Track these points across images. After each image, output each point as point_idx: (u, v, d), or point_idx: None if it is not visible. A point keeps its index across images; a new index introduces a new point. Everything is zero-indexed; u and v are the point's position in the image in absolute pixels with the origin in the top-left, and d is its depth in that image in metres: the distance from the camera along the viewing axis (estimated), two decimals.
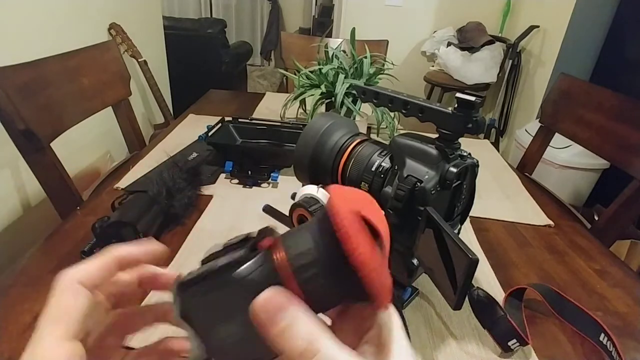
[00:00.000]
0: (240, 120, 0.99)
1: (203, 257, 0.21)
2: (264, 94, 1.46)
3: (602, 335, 0.50)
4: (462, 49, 2.48)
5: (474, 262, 0.35)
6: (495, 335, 0.50)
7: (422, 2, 2.67)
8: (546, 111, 1.17)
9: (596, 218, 1.19)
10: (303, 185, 0.56)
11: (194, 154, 0.87)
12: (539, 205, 0.84)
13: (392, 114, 0.98)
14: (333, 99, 0.93)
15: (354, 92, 0.93)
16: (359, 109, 0.93)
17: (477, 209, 0.65)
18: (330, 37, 1.95)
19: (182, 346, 0.26)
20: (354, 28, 1.03)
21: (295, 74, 1.05)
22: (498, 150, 1.18)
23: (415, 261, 0.47)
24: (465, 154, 0.48)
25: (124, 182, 0.80)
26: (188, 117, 1.19)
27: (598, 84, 1.06)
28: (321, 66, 0.97)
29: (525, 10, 2.48)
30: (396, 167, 0.49)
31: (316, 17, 4.12)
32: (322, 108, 1.00)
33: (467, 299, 0.54)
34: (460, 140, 0.47)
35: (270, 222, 0.69)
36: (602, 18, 1.99)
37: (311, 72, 1.00)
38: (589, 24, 1.99)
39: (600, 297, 0.60)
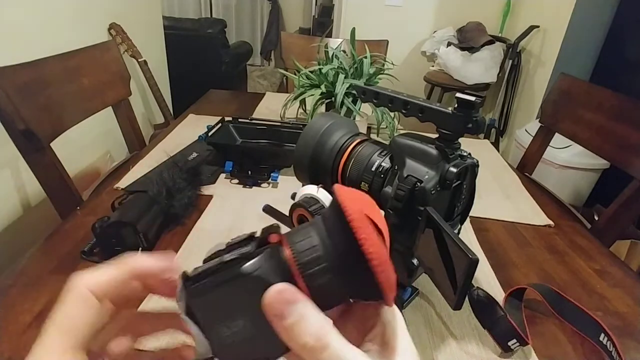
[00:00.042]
0: (240, 120, 1.00)
1: (205, 256, 0.21)
2: (264, 94, 1.46)
3: (602, 335, 0.50)
4: (462, 49, 2.48)
5: (474, 262, 0.35)
6: (495, 335, 0.50)
7: (422, 2, 2.67)
8: (546, 111, 1.17)
9: (596, 218, 1.19)
10: (303, 185, 0.56)
11: (194, 154, 0.87)
12: (539, 205, 0.84)
13: (392, 114, 0.98)
14: (333, 99, 0.93)
15: (354, 92, 0.93)
16: (359, 109, 0.93)
17: (477, 209, 0.65)
18: (330, 37, 1.95)
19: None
20: (354, 28, 1.03)
21: (295, 74, 1.05)
22: (498, 150, 1.18)
23: (415, 261, 0.47)
24: (465, 154, 0.48)
25: (124, 182, 0.80)
26: (188, 117, 1.19)
27: (598, 84, 1.06)
28: (321, 66, 0.97)
29: (525, 10, 2.48)
30: (396, 167, 0.49)
31: (316, 17, 4.12)
32: (322, 108, 1.00)
33: (467, 299, 0.54)
34: (460, 140, 0.47)
35: (270, 222, 0.69)
36: (602, 18, 1.99)
37: (311, 72, 1.00)
38: (589, 24, 1.99)
39: (600, 297, 0.60)
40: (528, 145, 1.21)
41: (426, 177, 0.46)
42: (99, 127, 1.45)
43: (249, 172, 0.84)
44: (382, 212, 0.50)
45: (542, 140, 1.17)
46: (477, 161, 0.49)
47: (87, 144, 1.46)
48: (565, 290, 0.58)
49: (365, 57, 0.99)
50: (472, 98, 0.43)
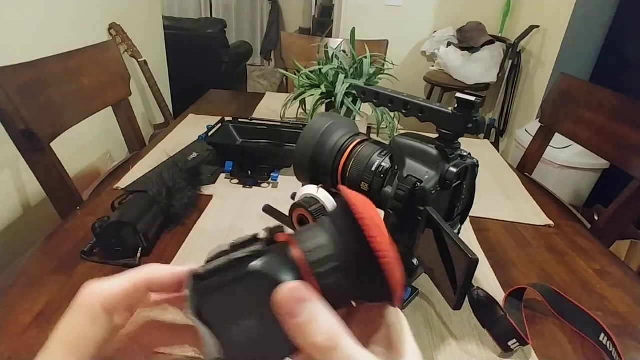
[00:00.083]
0: (240, 120, 0.99)
1: (208, 257, 0.21)
2: (264, 94, 1.46)
3: (602, 335, 0.50)
4: (462, 49, 2.48)
5: (474, 262, 0.35)
6: (495, 335, 0.50)
7: (422, 2, 2.67)
8: (546, 111, 1.17)
9: (596, 218, 1.19)
10: (303, 185, 0.56)
11: (194, 154, 0.87)
12: (539, 205, 0.84)
13: (392, 114, 0.98)
14: (333, 99, 0.93)
15: (354, 92, 0.93)
16: (359, 109, 0.93)
17: (477, 209, 0.65)
18: (330, 37, 1.95)
19: None
20: (354, 28, 1.03)
21: (295, 74, 1.05)
22: (498, 150, 1.18)
23: (415, 261, 0.47)
24: (465, 154, 0.48)
25: (124, 182, 0.80)
26: (188, 117, 1.19)
27: (598, 84, 1.06)
28: (321, 66, 0.97)
29: (525, 10, 2.48)
30: (396, 167, 0.49)
31: (316, 17, 4.12)
32: (322, 108, 1.00)
33: (467, 299, 0.54)
34: (460, 140, 0.47)
35: (271, 222, 0.69)
36: (602, 18, 1.99)
37: (311, 72, 1.00)
38: (589, 24, 1.99)
39: (600, 297, 0.60)
40: (528, 145, 1.21)
41: (426, 177, 0.46)
42: (99, 127, 1.45)
43: (249, 172, 0.84)
44: (382, 212, 0.50)
45: (542, 140, 1.17)
46: (477, 161, 0.49)
47: (87, 144, 1.46)
48: (565, 290, 0.58)
49: (365, 57, 0.99)
50: (472, 98, 0.43)
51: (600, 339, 0.50)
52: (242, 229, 0.69)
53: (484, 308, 0.53)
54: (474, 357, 0.48)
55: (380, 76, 1.02)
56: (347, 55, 1.02)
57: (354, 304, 0.22)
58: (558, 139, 1.16)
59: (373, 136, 1.03)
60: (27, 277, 0.56)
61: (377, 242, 0.19)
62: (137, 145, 1.16)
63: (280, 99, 1.16)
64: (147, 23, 1.99)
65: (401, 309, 0.22)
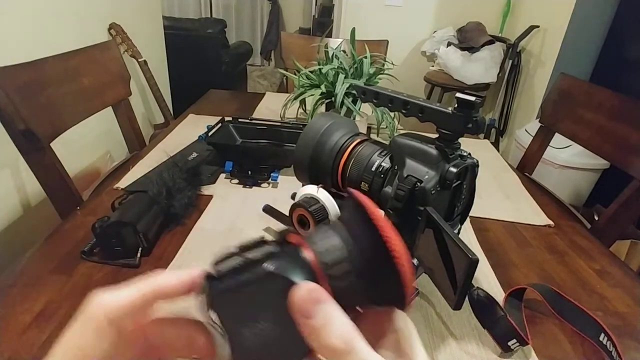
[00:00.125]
0: (240, 120, 0.99)
1: (215, 259, 0.21)
2: (264, 94, 1.46)
3: (602, 335, 0.50)
4: (462, 49, 2.48)
5: (474, 262, 0.35)
6: (495, 335, 0.50)
7: (422, 2, 2.67)
8: (546, 111, 1.17)
9: (596, 218, 1.19)
10: (303, 185, 0.56)
11: (194, 154, 0.87)
12: (539, 205, 0.84)
13: (392, 114, 0.98)
14: (333, 99, 0.93)
15: (354, 92, 0.93)
16: (359, 109, 0.93)
17: (477, 209, 0.65)
18: (330, 37, 1.95)
19: None
20: (354, 28, 1.03)
21: (295, 74, 1.05)
22: (498, 150, 1.18)
23: (415, 261, 0.47)
24: (465, 154, 0.48)
25: (124, 182, 0.80)
26: (188, 117, 1.19)
27: (598, 84, 1.06)
28: (321, 66, 0.97)
29: (525, 10, 2.48)
30: (396, 167, 0.49)
31: (316, 17, 4.12)
32: (322, 108, 1.00)
33: (467, 299, 0.54)
34: (460, 140, 0.47)
35: (271, 222, 0.69)
36: (602, 18, 1.99)
37: (311, 72, 1.00)
38: (589, 24, 1.99)
39: (600, 297, 0.60)
40: (528, 145, 1.21)
41: (426, 177, 0.46)
42: (99, 127, 1.45)
43: (249, 172, 0.84)
44: (382, 213, 0.50)
45: (542, 140, 1.17)
46: (477, 161, 0.49)
47: (87, 144, 1.46)
48: (565, 290, 0.58)
49: (365, 57, 0.99)
50: (472, 98, 0.43)
51: (600, 339, 0.50)
52: (242, 229, 0.69)
53: (484, 308, 0.53)
54: (474, 357, 0.48)
55: (380, 76, 1.02)
56: (347, 55, 1.02)
57: (359, 309, 0.22)
58: (558, 139, 1.16)
59: (373, 136, 1.03)
60: (27, 277, 0.56)
61: (392, 244, 0.19)
62: (137, 145, 1.16)
63: (280, 99, 1.15)
64: (147, 23, 1.99)
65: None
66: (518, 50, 2.34)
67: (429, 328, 0.52)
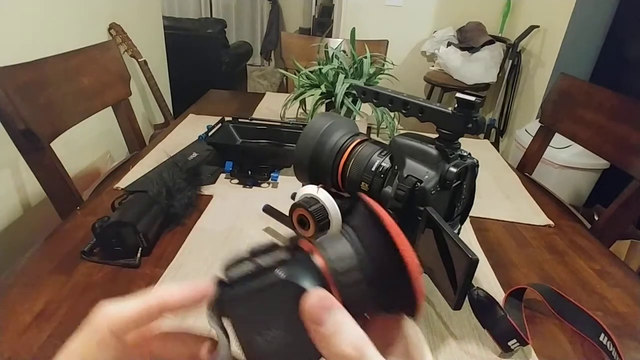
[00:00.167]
0: (240, 120, 0.99)
1: (226, 264, 0.21)
2: (264, 94, 1.46)
3: (602, 335, 0.50)
4: (462, 49, 2.48)
5: (474, 262, 0.35)
6: (495, 335, 0.50)
7: (422, 2, 2.67)
8: (546, 111, 1.17)
9: (596, 218, 1.19)
10: (303, 185, 0.56)
11: (194, 154, 0.87)
12: (539, 205, 0.84)
13: (392, 114, 0.98)
14: (333, 99, 0.93)
15: (354, 92, 0.93)
16: (359, 109, 0.93)
17: (477, 209, 0.65)
18: (330, 37, 1.95)
19: None
20: (354, 28, 1.03)
21: (295, 74, 1.05)
22: (498, 150, 1.18)
23: None
24: (465, 154, 0.48)
25: (124, 182, 0.80)
26: (188, 117, 1.19)
27: (598, 84, 1.06)
28: (321, 66, 0.97)
29: (525, 10, 2.48)
30: (396, 167, 0.49)
31: (316, 17, 4.12)
32: (322, 108, 1.00)
33: (467, 299, 0.54)
34: (460, 140, 0.47)
35: (271, 222, 0.69)
36: (602, 18, 1.99)
37: (311, 72, 1.00)
38: (589, 24, 1.99)
39: (600, 297, 0.60)
40: (528, 145, 1.21)
41: (426, 177, 0.46)
42: (99, 127, 1.45)
43: (249, 172, 0.84)
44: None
45: (542, 140, 1.17)
46: (477, 161, 0.49)
47: (87, 144, 1.46)
48: (565, 290, 0.58)
49: (365, 57, 0.99)
50: (472, 98, 0.43)
51: (600, 339, 0.50)
52: (242, 229, 0.69)
53: (484, 308, 0.53)
54: (474, 357, 0.48)
55: (380, 76, 1.02)
56: (347, 55, 1.02)
57: (367, 316, 0.22)
58: (558, 139, 1.16)
59: (373, 136, 1.03)
60: (27, 277, 0.56)
61: (405, 251, 0.19)
62: (137, 145, 1.16)
63: (280, 99, 1.15)
64: (147, 23, 1.99)
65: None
66: (518, 50, 2.34)
67: (429, 328, 0.52)
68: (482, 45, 2.44)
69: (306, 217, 0.53)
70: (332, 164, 0.54)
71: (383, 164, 0.50)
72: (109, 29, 1.65)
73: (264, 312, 0.20)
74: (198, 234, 0.67)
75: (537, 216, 0.80)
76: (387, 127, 0.97)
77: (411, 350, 0.21)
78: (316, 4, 4.12)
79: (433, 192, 0.45)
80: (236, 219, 0.72)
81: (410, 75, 2.72)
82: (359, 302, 0.20)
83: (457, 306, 0.38)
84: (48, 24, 1.28)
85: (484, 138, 1.78)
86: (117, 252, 0.59)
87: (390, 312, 0.21)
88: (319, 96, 0.94)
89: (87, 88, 1.00)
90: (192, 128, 1.08)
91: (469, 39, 2.50)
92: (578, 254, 0.70)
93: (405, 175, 0.47)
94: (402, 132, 0.53)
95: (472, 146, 0.82)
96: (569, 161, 1.78)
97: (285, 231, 0.67)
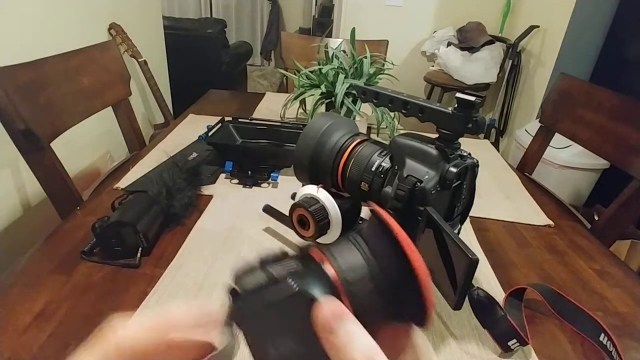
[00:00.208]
0: (240, 120, 0.99)
1: (237, 272, 0.21)
2: (264, 94, 1.46)
3: (602, 335, 0.50)
4: (462, 49, 2.48)
5: (474, 262, 0.35)
6: (495, 335, 0.50)
7: (422, 2, 2.67)
8: (546, 111, 1.17)
9: (596, 218, 1.19)
10: (303, 185, 0.56)
11: (194, 154, 0.87)
12: (539, 205, 0.84)
13: (392, 114, 0.98)
14: (333, 99, 0.93)
15: (354, 92, 0.93)
16: (359, 109, 0.93)
17: (477, 209, 0.65)
18: (330, 37, 1.95)
19: None
20: (354, 28, 1.03)
21: (295, 74, 1.05)
22: (498, 150, 1.18)
23: None
24: (465, 154, 0.48)
25: (124, 182, 0.80)
26: (188, 117, 1.19)
27: (598, 84, 1.06)
28: (321, 66, 0.97)
29: (525, 10, 2.48)
30: (396, 167, 0.49)
31: (316, 17, 4.12)
32: (322, 108, 1.00)
33: (467, 299, 0.54)
34: (460, 140, 0.47)
35: (271, 222, 0.69)
36: (602, 18, 1.99)
37: (311, 72, 1.00)
38: (589, 24, 1.99)
39: (600, 297, 0.60)
40: (528, 145, 1.21)
41: (426, 177, 0.46)
42: (99, 127, 1.45)
43: (249, 172, 0.84)
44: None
45: (542, 140, 1.17)
46: (477, 161, 0.49)
47: (87, 144, 1.46)
48: (565, 290, 0.58)
49: (365, 57, 0.99)
50: (472, 98, 0.43)
51: (600, 339, 0.50)
52: (242, 229, 0.69)
53: (484, 308, 0.53)
54: (474, 357, 0.48)
55: (380, 76, 1.02)
56: (347, 55, 1.02)
57: (377, 325, 0.22)
58: (558, 139, 1.16)
59: (373, 136, 1.03)
60: (27, 277, 0.56)
61: (416, 262, 0.19)
62: (137, 145, 1.16)
63: (280, 99, 1.15)
64: (147, 23, 1.99)
65: None
66: (518, 50, 2.34)
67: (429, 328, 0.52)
68: (482, 45, 2.45)
69: (306, 217, 0.53)
70: (332, 164, 0.54)
71: (383, 164, 0.50)
72: (109, 29, 1.65)
73: (277, 323, 0.20)
74: (198, 234, 0.67)
75: (537, 216, 0.80)
76: (387, 127, 0.97)
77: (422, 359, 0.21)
78: (316, 4, 4.12)
79: (433, 192, 0.45)
80: (236, 219, 0.72)
81: (410, 75, 2.72)
82: (369, 312, 0.20)
83: (457, 306, 0.38)
84: (48, 24, 1.28)
85: (484, 138, 1.78)
86: (117, 252, 0.59)
87: (400, 321, 0.21)
88: (319, 96, 0.94)
89: (87, 88, 1.00)
90: (192, 128, 1.08)
91: (469, 39, 2.50)
92: (578, 254, 0.70)
93: (405, 175, 0.47)
94: (402, 132, 0.53)
95: (472, 146, 0.82)
96: (569, 161, 1.78)
97: (285, 231, 0.67)
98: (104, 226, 0.58)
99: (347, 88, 0.92)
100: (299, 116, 1.13)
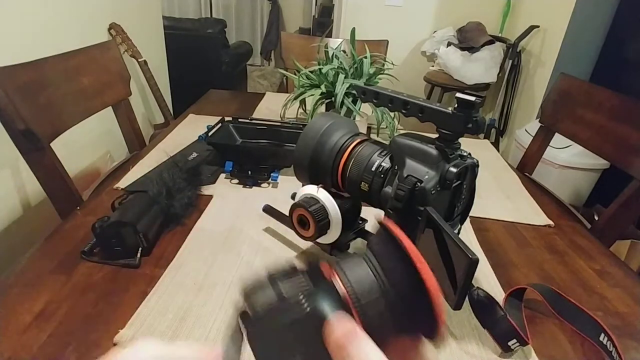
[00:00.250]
0: (240, 120, 0.99)
1: (245, 288, 0.21)
2: (264, 94, 1.46)
3: (602, 335, 0.50)
4: (462, 49, 2.48)
5: (474, 262, 0.35)
6: (495, 335, 0.50)
7: (422, 2, 2.67)
8: (546, 111, 1.17)
9: (596, 218, 1.19)
10: (303, 185, 0.56)
11: (194, 154, 0.87)
12: (539, 205, 0.84)
13: (392, 114, 0.98)
14: (333, 99, 0.93)
15: (354, 92, 0.93)
16: (359, 109, 0.93)
17: (477, 209, 0.65)
18: (330, 37, 1.95)
19: None
20: (354, 28, 1.03)
21: (295, 74, 1.05)
22: (498, 150, 1.18)
23: None
24: (465, 154, 0.48)
25: (124, 182, 0.80)
26: (188, 117, 1.19)
27: (598, 84, 1.06)
28: (321, 66, 0.97)
29: (525, 10, 2.48)
30: (396, 167, 0.49)
31: (316, 17, 4.12)
32: (322, 108, 1.00)
33: (467, 299, 0.54)
34: (460, 140, 0.47)
35: (271, 222, 0.69)
36: (602, 18, 1.99)
37: (311, 72, 1.00)
38: (589, 24, 1.99)
39: (600, 297, 0.60)
40: (528, 145, 1.21)
41: (426, 177, 0.46)
42: (99, 127, 1.45)
43: (249, 172, 0.84)
44: (383, 213, 0.50)
45: (542, 140, 1.17)
46: (477, 161, 0.49)
47: (87, 144, 1.46)
48: (565, 290, 0.58)
49: (365, 57, 0.99)
50: (472, 98, 0.43)
51: (600, 339, 0.50)
52: (242, 229, 0.69)
53: (484, 308, 0.53)
54: (474, 357, 0.48)
55: (380, 76, 1.02)
56: (347, 55, 1.02)
57: (388, 340, 0.22)
58: (558, 139, 1.16)
59: (373, 136, 1.03)
60: (27, 277, 0.56)
61: (427, 278, 0.19)
62: (137, 145, 1.16)
63: (280, 99, 1.15)
64: (147, 23, 1.99)
65: None
66: (518, 50, 2.34)
67: None
68: (482, 45, 2.44)
69: (306, 217, 0.53)
70: (332, 164, 0.54)
71: (383, 164, 0.50)
72: (109, 29, 1.65)
73: (289, 343, 0.20)
74: (198, 234, 0.67)
75: (537, 216, 0.80)
76: (387, 127, 0.97)
77: None
78: (316, 4, 4.12)
79: (433, 192, 0.45)
80: (236, 219, 0.72)
81: (410, 75, 2.72)
82: (380, 327, 0.20)
83: (457, 306, 0.38)
84: (48, 24, 1.28)
85: (484, 138, 1.78)
86: (117, 252, 0.59)
87: (411, 335, 0.21)
88: (319, 96, 0.94)
89: (87, 88, 1.00)
90: (192, 128, 1.08)
91: (469, 39, 2.50)
92: (578, 254, 0.70)
93: (405, 175, 0.47)
94: (402, 132, 0.53)
95: (472, 146, 0.82)
96: (569, 161, 1.78)
97: (285, 231, 0.67)
98: (104, 226, 0.58)
99: (347, 88, 0.92)
100: (299, 116, 1.13)
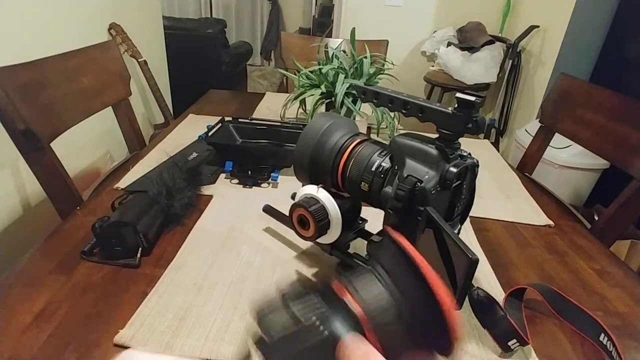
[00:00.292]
0: (240, 120, 0.99)
1: (258, 309, 0.21)
2: (264, 94, 1.46)
3: (602, 335, 0.50)
4: (462, 49, 2.48)
5: (474, 262, 0.35)
6: (495, 335, 0.50)
7: (422, 2, 2.67)
8: (546, 111, 1.17)
9: (596, 218, 1.19)
10: (303, 185, 0.56)
11: (194, 154, 0.87)
12: (539, 205, 0.84)
13: (392, 114, 0.98)
14: (333, 99, 0.93)
15: (354, 92, 0.93)
16: (359, 109, 0.93)
17: (477, 209, 0.65)
18: (330, 37, 1.95)
19: None
20: (354, 28, 1.03)
21: (295, 74, 1.05)
22: (498, 150, 1.18)
23: None
24: (465, 154, 0.48)
25: (124, 182, 0.80)
26: (188, 117, 1.19)
27: (598, 84, 1.06)
28: (321, 66, 0.97)
29: (525, 10, 2.48)
30: (396, 167, 0.49)
31: (316, 17, 4.12)
32: (322, 108, 1.00)
33: (467, 299, 0.54)
34: (460, 140, 0.47)
35: (271, 222, 0.69)
36: (602, 18, 1.99)
37: (311, 72, 1.00)
38: (589, 24, 1.99)
39: (600, 297, 0.60)
40: (528, 145, 1.21)
41: (426, 177, 0.46)
42: (99, 127, 1.45)
43: (249, 172, 0.84)
44: (383, 213, 0.50)
45: (542, 140, 1.17)
46: (477, 161, 0.49)
47: (87, 144, 1.46)
48: (565, 290, 0.58)
49: (365, 57, 0.99)
50: (472, 98, 0.43)
51: (600, 339, 0.50)
52: (242, 229, 0.69)
53: (484, 308, 0.53)
54: (474, 357, 0.48)
55: (380, 76, 1.02)
56: (347, 55, 1.02)
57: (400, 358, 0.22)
58: (558, 139, 1.16)
59: (373, 136, 1.03)
60: (27, 277, 0.56)
61: (441, 293, 0.19)
62: (137, 145, 1.16)
63: (280, 99, 1.15)
64: (147, 23, 1.99)
65: None
66: (518, 50, 2.34)
67: None
68: (482, 45, 2.44)
69: (306, 217, 0.53)
70: (332, 164, 0.54)
71: (383, 164, 0.50)
72: (109, 29, 1.65)
73: None
74: (198, 234, 0.67)
75: (537, 216, 0.80)
76: (387, 127, 0.97)
77: None
78: (316, 4, 4.12)
79: (433, 192, 0.45)
80: (236, 219, 0.72)
81: (410, 75, 2.72)
82: (395, 345, 0.20)
83: (457, 306, 0.38)
84: (48, 24, 1.28)
85: (484, 138, 1.78)
86: (117, 252, 0.59)
87: (425, 352, 0.21)
88: (319, 96, 0.94)
89: (87, 88, 1.00)
90: (192, 128, 1.08)
91: (469, 39, 2.50)
92: (578, 254, 0.70)
93: (405, 175, 0.47)
94: (402, 132, 0.53)
95: (472, 146, 0.82)
96: (569, 161, 1.78)
97: (285, 231, 0.67)
98: (104, 226, 0.58)
99: (347, 88, 0.92)
100: (299, 116, 1.13)
